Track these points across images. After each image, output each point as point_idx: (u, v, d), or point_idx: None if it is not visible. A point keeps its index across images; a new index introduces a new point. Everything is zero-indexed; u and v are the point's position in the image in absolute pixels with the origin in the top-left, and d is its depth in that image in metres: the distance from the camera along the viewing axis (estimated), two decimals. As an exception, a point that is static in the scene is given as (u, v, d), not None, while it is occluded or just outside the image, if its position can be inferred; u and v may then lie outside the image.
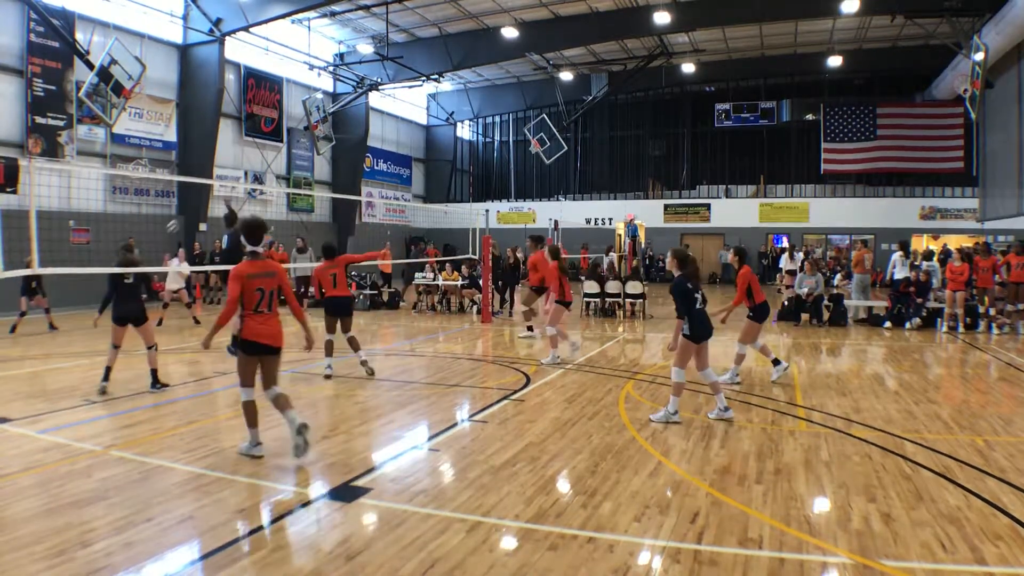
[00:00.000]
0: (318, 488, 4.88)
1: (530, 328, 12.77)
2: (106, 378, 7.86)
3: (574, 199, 34.24)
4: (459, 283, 17.40)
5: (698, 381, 8.63)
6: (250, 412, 5.51)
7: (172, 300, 14.95)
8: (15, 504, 4.53)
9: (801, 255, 20.04)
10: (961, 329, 13.71)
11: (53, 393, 7.87)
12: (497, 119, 36.90)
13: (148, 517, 4.30)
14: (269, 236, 23.11)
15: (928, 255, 16.35)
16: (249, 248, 5.70)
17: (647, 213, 30.57)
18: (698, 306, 6.61)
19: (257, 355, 5.54)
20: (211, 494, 4.73)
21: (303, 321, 5.99)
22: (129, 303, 7.91)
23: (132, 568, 3.67)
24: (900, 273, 15.40)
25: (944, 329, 13.94)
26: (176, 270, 14.58)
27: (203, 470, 5.21)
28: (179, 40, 21.28)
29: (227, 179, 23.03)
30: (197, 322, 14.65)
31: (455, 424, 6.74)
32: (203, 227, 21.34)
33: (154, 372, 8.08)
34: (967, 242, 23.88)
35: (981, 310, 13.96)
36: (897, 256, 16.21)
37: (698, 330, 6.61)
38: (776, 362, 8.82)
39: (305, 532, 4.16)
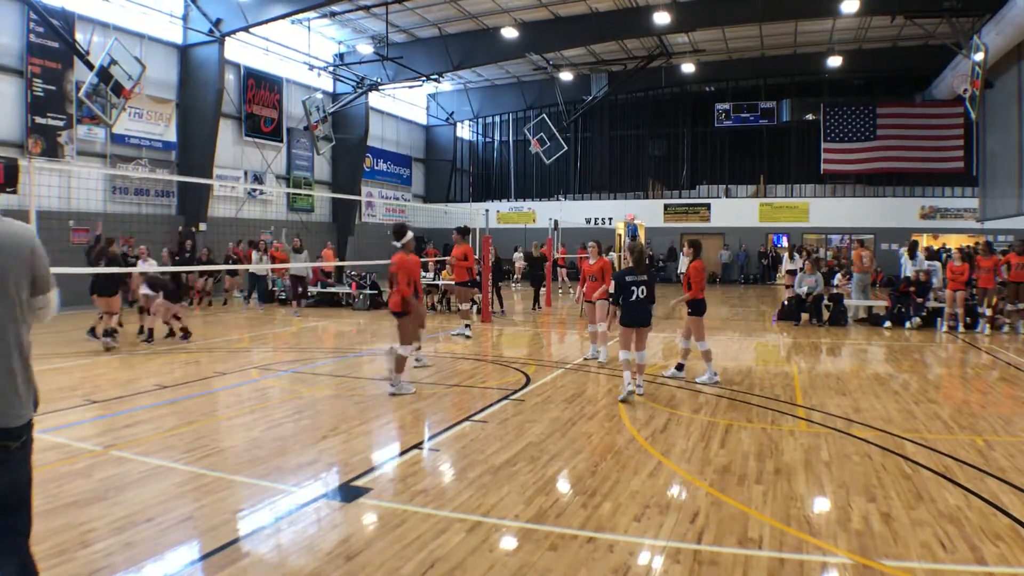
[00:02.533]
0: (318, 488, 4.88)
1: (467, 326, 12.78)
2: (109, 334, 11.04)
3: (574, 199, 34.24)
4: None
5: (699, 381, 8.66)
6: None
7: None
8: (15, 504, 4.52)
9: (799, 256, 20.06)
10: (961, 329, 13.71)
11: (53, 393, 7.87)
12: (497, 119, 36.90)
13: (148, 517, 4.30)
14: (269, 236, 23.26)
15: (935, 254, 16.34)
16: (394, 244, 8.11)
17: (647, 213, 30.60)
18: (634, 298, 7.62)
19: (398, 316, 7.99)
20: (211, 494, 4.73)
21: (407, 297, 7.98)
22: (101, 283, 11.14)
23: (132, 568, 3.67)
24: (906, 272, 15.38)
25: (944, 329, 13.94)
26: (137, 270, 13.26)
27: (203, 470, 5.21)
28: (179, 40, 21.28)
29: (227, 179, 23.04)
30: (185, 335, 12.20)
31: (455, 424, 6.74)
32: (203, 227, 21.34)
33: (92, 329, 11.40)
34: (968, 242, 23.92)
35: (980, 310, 13.92)
36: (905, 258, 16.24)
37: (625, 317, 7.67)
38: (680, 367, 8.93)
39: (305, 532, 4.15)
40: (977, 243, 21.54)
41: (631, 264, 7.74)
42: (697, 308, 8.61)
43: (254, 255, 18.48)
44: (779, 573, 3.62)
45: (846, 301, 15.39)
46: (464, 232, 12.77)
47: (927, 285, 14.68)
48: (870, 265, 16.24)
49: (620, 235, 26.08)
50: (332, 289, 19.06)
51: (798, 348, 11.85)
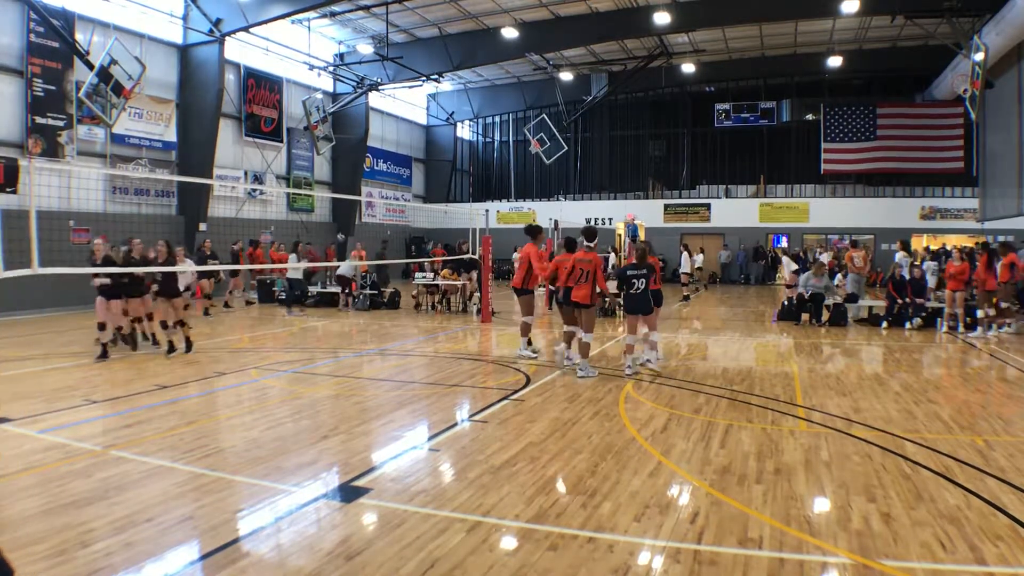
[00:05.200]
0: (318, 488, 4.88)
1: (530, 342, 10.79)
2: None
3: (574, 199, 34.23)
4: (460, 282, 17.49)
5: (700, 381, 8.67)
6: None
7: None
8: (15, 504, 4.53)
9: (793, 255, 20.23)
10: (961, 329, 13.71)
11: (53, 393, 7.87)
12: (497, 119, 36.89)
13: (148, 517, 4.30)
14: (269, 236, 23.25)
15: (938, 255, 16.34)
16: (586, 244, 9.33)
17: (647, 213, 30.53)
18: (634, 290, 8.91)
19: (572, 306, 8.95)
20: (211, 494, 4.73)
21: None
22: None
23: (132, 568, 3.67)
24: (907, 273, 15.36)
25: (944, 329, 13.94)
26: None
27: (203, 470, 5.21)
28: (179, 40, 21.28)
29: (227, 179, 23.04)
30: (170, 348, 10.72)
31: (455, 424, 6.74)
32: (203, 227, 21.35)
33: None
34: (967, 242, 23.92)
35: (953, 311, 13.86)
36: (900, 256, 16.23)
37: (628, 306, 9.14)
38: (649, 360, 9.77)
39: (305, 532, 4.15)
40: (977, 243, 21.56)
41: (635, 260, 9.09)
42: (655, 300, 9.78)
43: (292, 258, 17.73)
44: (779, 573, 3.62)
45: (832, 298, 15.41)
46: (533, 232, 10.93)
47: (922, 285, 14.68)
48: (863, 266, 16.26)
49: (620, 235, 26.05)
50: (333, 289, 19.05)
51: (798, 348, 11.84)
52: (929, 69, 27.17)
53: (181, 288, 12.73)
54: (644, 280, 8.84)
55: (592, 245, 9.31)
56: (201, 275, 15.81)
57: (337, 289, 18.79)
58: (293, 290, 17.70)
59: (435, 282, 17.73)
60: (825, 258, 19.47)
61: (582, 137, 35.00)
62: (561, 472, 5.22)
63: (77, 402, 7.45)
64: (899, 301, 14.48)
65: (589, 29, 24.88)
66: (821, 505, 4.59)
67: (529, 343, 10.63)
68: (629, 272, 8.93)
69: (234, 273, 18.70)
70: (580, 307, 8.94)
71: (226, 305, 18.06)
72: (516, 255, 29.89)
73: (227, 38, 21.03)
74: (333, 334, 13.62)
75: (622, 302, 9.21)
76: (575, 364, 9.17)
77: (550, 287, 10.38)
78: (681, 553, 3.84)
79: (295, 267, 17.30)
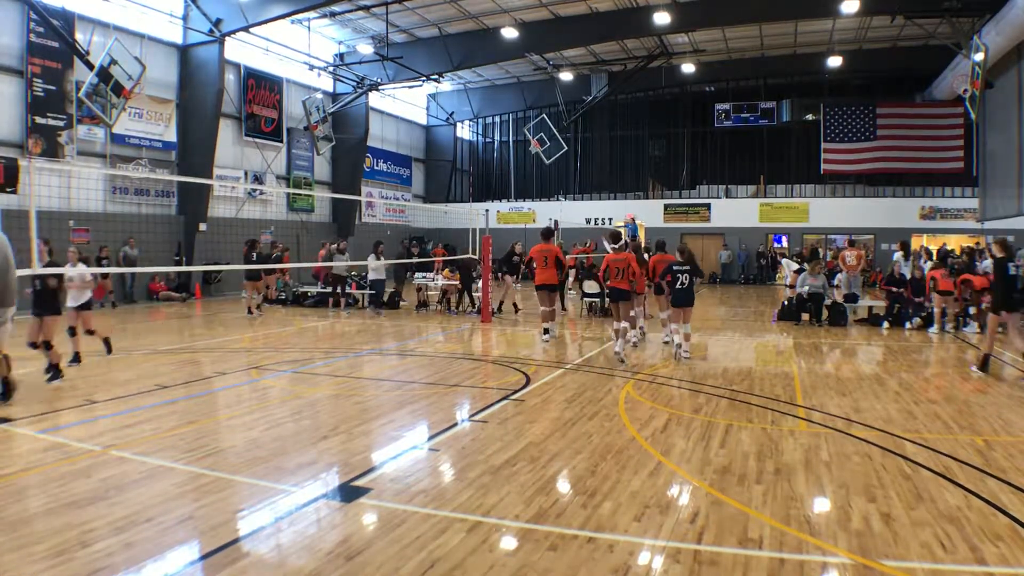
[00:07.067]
0: (318, 488, 4.88)
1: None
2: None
3: (574, 199, 34.23)
4: (458, 282, 17.52)
5: (700, 381, 8.67)
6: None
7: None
8: (15, 504, 4.53)
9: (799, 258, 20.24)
10: (955, 328, 13.70)
11: (53, 393, 7.87)
12: (497, 119, 36.89)
13: (148, 517, 4.30)
14: (269, 236, 23.23)
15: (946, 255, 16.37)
16: (612, 246, 10.45)
17: (647, 213, 30.57)
18: (679, 284, 10.15)
19: (614, 301, 10.34)
20: (211, 494, 4.73)
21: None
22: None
23: (132, 568, 3.67)
24: (907, 272, 15.37)
25: (935, 329, 13.85)
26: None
27: (203, 470, 5.21)
28: (179, 40, 21.29)
29: (227, 179, 23.04)
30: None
31: (455, 424, 6.74)
32: (203, 227, 21.35)
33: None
34: (967, 242, 23.91)
35: (937, 310, 13.93)
36: (899, 256, 16.23)
37: (673, 299, 10.36)
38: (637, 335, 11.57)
39: (305, 532, 4.15)
40: (977, 243, 21.56)
41: (679, 258, 10.34)
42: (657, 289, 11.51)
43: (371, 258, 16.57)
44: (779, 573, 3.62)
45: (831, 297, 15.42)
46: (546, 235, 12.86)
47: (922, 285, 14.67)
48: (855, 264, 16.28)
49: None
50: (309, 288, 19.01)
51: (798, 348, 11.85)
52: (929, 69, 27.15)
53: (74, 304, 9.56)
54: (688, 276, 10.08)
55: (617, 247, 10.40)
56: (253, 275, 15.57)
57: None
58: (375, 291, 17.06)
59: (434, 281, 17.74)
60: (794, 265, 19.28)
61: (582, 137, 35.00)
62: (561, 472, 5.22)
63: (77, 402, 7.45)
64: (895, 293, 14.49)
65: (589, 29, 24.88)
66: (821, 505, 4.59)
67: (547, 330, 12.23)
68: (675, 268, 10.20)
69: (268, 272, 17.91)
70: (619, 299, 10.26)
71: (257, 309, 16.13)
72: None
73: (227, 38, 21.03)
74: (333, 334, 13.62)
75: (668, 295, 10.82)
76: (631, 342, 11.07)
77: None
78: (681, 553, 3.84)
79: (375, 266, 16.89)
